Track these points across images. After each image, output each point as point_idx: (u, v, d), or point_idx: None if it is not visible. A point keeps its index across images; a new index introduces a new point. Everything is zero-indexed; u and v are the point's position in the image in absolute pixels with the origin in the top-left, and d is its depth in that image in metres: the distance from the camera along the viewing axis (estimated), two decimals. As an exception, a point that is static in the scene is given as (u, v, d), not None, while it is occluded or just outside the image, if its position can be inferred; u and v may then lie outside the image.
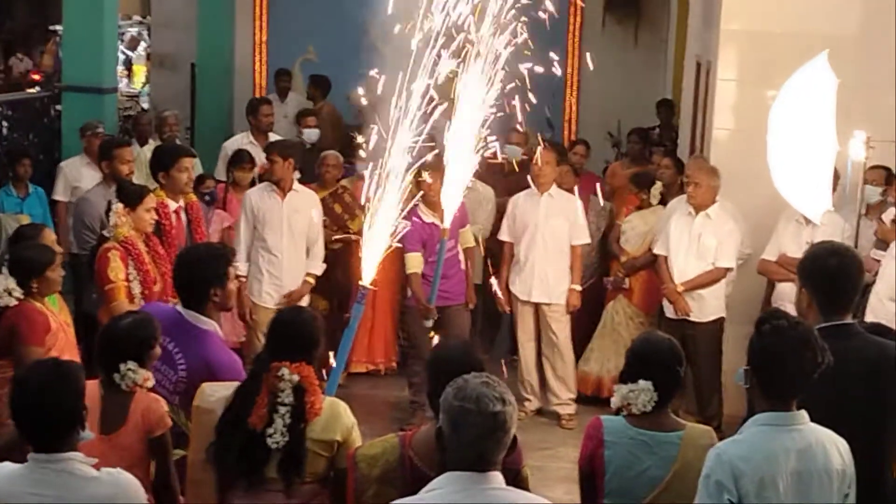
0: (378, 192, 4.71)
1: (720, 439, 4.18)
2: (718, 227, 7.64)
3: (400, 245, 5.35)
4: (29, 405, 3.50)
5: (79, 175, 8.83)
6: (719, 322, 7.75)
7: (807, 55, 6.74)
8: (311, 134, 10.33)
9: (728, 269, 7.68)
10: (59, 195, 8.98)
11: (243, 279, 7.59)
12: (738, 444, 3.61)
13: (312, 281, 7.95)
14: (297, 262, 7.82)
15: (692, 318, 7.68)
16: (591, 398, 8.30)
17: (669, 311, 7.79)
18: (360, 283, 4.76)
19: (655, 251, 7.99)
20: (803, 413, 3.55)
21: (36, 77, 13.83)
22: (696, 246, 7.66)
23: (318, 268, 7.97)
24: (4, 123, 9.82)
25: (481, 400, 3.13)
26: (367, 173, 4.78)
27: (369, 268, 4.71)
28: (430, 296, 7.38)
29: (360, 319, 7.85)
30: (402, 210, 4.84)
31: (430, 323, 7.69)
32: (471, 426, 3.13)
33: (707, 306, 7.71)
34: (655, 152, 9.90)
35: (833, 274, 4.16)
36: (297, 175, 8.07)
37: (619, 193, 9.36)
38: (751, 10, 8.10)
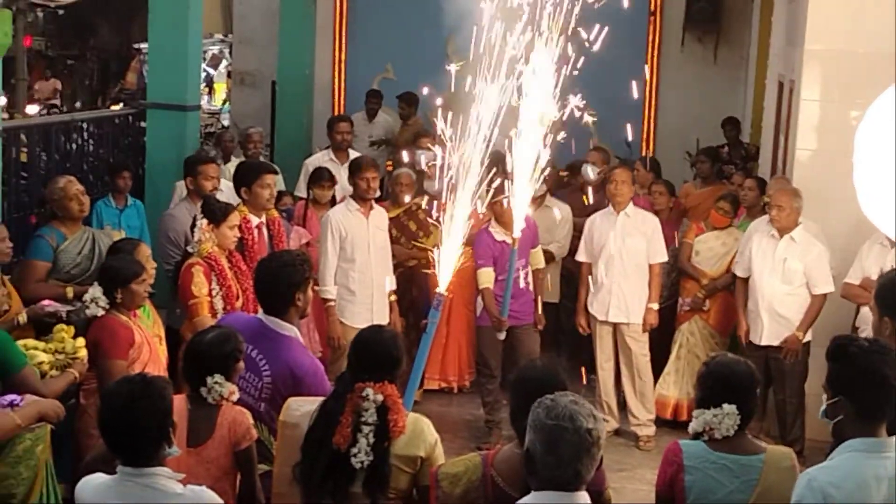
0: (454, 196, 4.72)
1: (802, 464, 4.15)
2: (805, 251, 7.54)
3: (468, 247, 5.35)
4: (116, 420, 3.54)
5: None
6: (805, 346, 7.63)
7: (893, 75, 6.65)
8: (431, 155, 10.11)
9: (827, 294, 7.54)
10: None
11: (332, 303, 7.62)
12: (830, 470, 3.56)
13: (395, 298, 7.98)
14: (383, 280, 7.81)
15: (777, 343, 7.59)
16: (670, 422, 8.22)
17: (762, 339, 7.64)
18: (437, 289, 4.76)
19: (736, 272, 7.91)
20: (893, 440, 3.50)
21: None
22: (781, 269, 7.56)
23: (394, 282, 7.98)
24: (90, 140, 10.02)
25: (575, 418, 3.14)
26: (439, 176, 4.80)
27: (445, 274, 4.70)
28: (503, 309, 7.38)
29: (434, 336, 7.88)
30: (478, 209, 4.84)
31: (502, 335, 7.70)
32: (566, 444, 3.13)
33: (793, 330, 7.58)
34: (727, 171, 9.81)
35: None
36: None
37: (692, 213, 9.28)
38: (835, 29, 8.00)
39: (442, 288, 4.73)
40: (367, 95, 12.74)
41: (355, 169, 7.89)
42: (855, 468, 3.53)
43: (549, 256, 8.66)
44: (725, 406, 4.02)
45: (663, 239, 8.22)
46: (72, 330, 5.44)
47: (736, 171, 9.81)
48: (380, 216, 7.91)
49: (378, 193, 8.13)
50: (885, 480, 3.50)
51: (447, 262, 4.70)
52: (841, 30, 7.98)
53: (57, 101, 20.26)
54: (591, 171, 9.29)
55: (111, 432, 3.57)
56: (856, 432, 3.59)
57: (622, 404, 8.31)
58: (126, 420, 3.52)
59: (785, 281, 7.58)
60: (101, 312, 5.43)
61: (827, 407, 3.66)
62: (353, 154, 9.54)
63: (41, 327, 5.77)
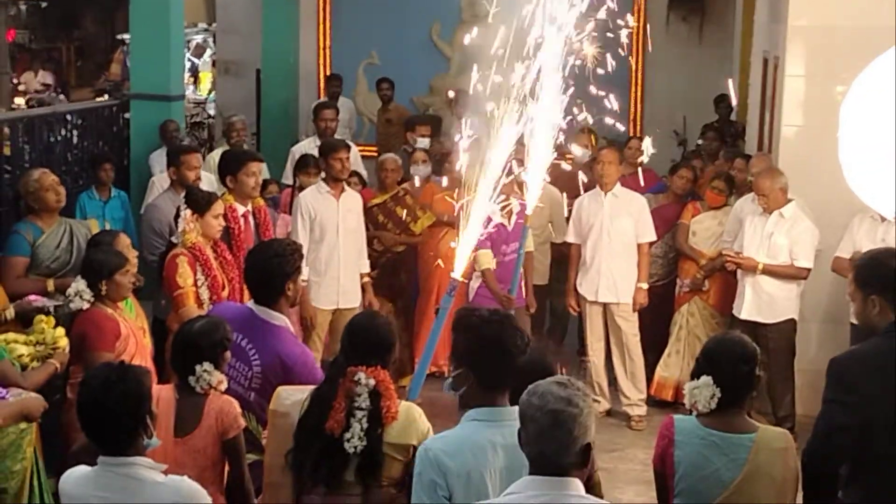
0: (475, 185, 4.68)
1: (795, 440, 4.14)
2: (792, 226, 7.55)
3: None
4: (91, 405, 3.53)
5: None
6: (791, 323, 7.65)
7: (877, 49, 6.60)
8: (423, 142, 10.00)
9: (808, 269, 7.57)
10: None
11: (304, 284, 7.60)
12: (446, 440, 3.66)
13: (369, 279, 7.97)
14: (353, 263, 7.83)
15: (763, 320, 7.60)
16: (672, 403, 8.20)
17: (742, 312, 7.70)
18: (451, 274, 4.72)
19: (726, 249, 7.90)
20: (515, 410, 3.37)
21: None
22: (767, 244, 7.58)
23: (367, 265, 7.99)
24: (75, 132, 9.97)
25: (544, 396, 3.11)
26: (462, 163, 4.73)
27: (462, 259, 4.66)
28: (512, 287, 7.37)
29: (423, 320, 7.84)
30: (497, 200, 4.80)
31: (511, 312, 7.66)
32: (531, 422, 3.12)
33: (778, 307, 7.62)
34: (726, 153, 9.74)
35: None
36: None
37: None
38: (818, 4, 7.99)
39: (457, 273, 4.69)
40: (327, 80, 12.81)
41: (328, 150, 7.88)
42: (470, 436, 3.61)
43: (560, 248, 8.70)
44: (703, 377, 4.02)
45: (651, 218, 8.21)
46: (52, 321, 5.42)
47: (726, 150, 9.77)
48: (352, 199, 7.88)
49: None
50: (501, 448, 3.56)
51: (464, 248, 4.68)
52: (824, 5, 7.97)
53: (45, 96, 20.17)
54: (579, 153, 9.27)
55: (87, 418, 3.55)
56: (478, 401, 3.67)
57: (614, 384, 8.31)
58: (101, 405, 3.50)
59: (770, 256, 7.59)
60: (86, 305, 5.41)
61: (452, 379, 3.75)
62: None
63: (28, 322, 5.74)
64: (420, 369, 4.67)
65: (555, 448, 3.09)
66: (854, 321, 7.08)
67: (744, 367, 4.05)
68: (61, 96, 19.03)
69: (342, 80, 12.84)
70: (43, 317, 5.46)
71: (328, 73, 13.76)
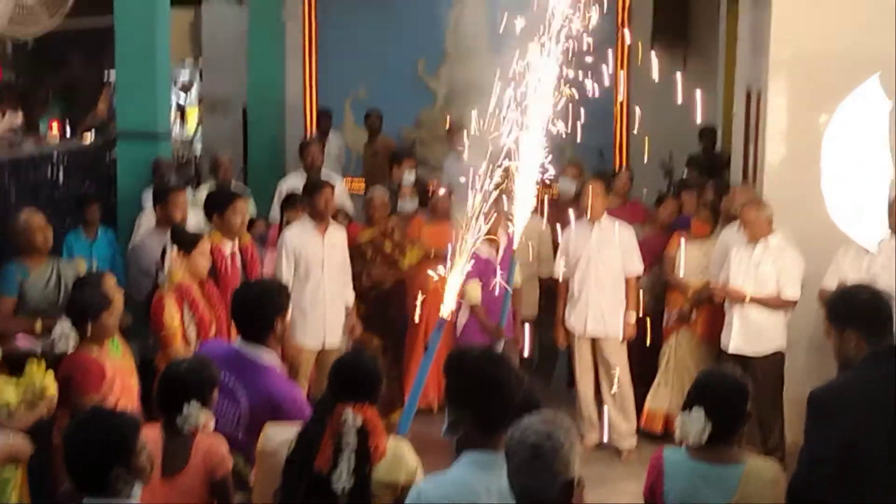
0: (469, 222, 4.71)
1: (785, 470, 4.15)
2: (779, 256, 7.57)
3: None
4: (76, 451, 3.52)
5: None
6: (779, 355, 7.66)
7: (858, 78, 6.69)
8: (410, 177, 9.94)
9: (795, 299, 7.58)
10: None
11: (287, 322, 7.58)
12: (440, 483, 3.58)
13: (353, 311, 7.97)
14: (339, 300, 7.82)
15: (752, 353, 7.60)
16: (662, 435, 8.16)
17: (729, 345, 7.69)
18: (441, 311, 4.73)
19: (713, 282, 7.91)
20: None
21: (54, 126, 13.99)
22: (754, 274, 7.59)
23: (352, 296, 7.98)
24: (60, 171, 9.96)
25: (526, 430, 3.12)
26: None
27: (451, 297, 4.66)
28: (501, 318, 7.36)
29: (412, 355, 7.79)
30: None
31: (500, 345, 7.70)
32: (514, 455, 3.13)
33: (766, 337, 7.62)
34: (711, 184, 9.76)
35: (872, 304, 4.18)
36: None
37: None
38: (800, 35, 8.03)
39: (445, 312, 4.70)
40: (318, 116, 12.92)
41: (312, 188, 7.89)
42: (464, 480, 3.53)
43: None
44: (694, 410, 4.02)
45: (639, 250, 8.23)
46: (43, 367, 5.38)
47: (705, 181, 9.80)
48: (337, 234, 7.89)
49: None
50: (495, 493, 3.45)
51: (452, 286, 4.69)
52: (806, 36, 8.01)
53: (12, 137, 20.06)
54: (570, 185, 9.31)
55: (73, 464, 3.53)
56: (476, 445, 3.58)
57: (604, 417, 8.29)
58: (81, 447, 3.49)
59: (757, 286, 7.60)
60: (71, 348, 5.39)
61: (448, 424, 3.67)
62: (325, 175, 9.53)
63: (15, 363, 5.71)
64: (409, 405, 4.66)
65: (536, 482, 3.10)
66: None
67: (737, 402, 4.06)
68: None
69: (332, 115, 12.95)
70: (35, 360, 5.43)
71: (315, 109, 13.80)
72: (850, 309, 4.18)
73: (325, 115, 12.92)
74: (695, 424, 4.01)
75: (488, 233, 7.40)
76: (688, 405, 4.09)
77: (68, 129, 13.00)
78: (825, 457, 3.99)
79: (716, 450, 4.02)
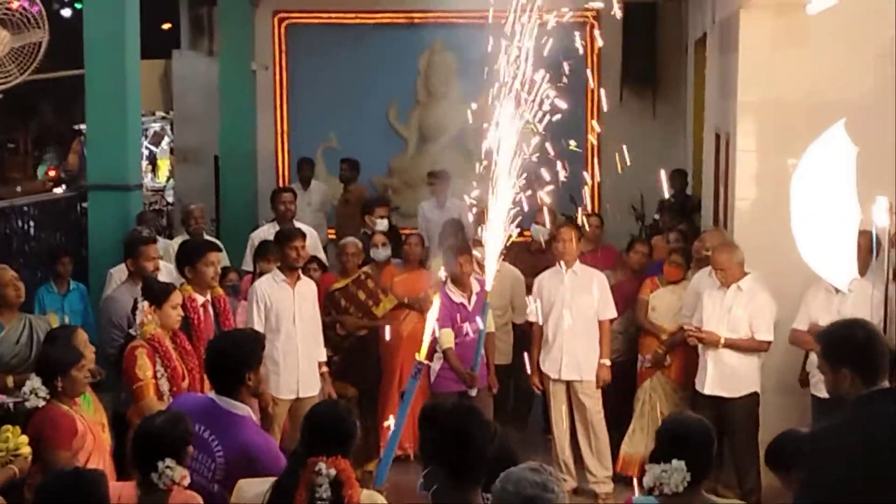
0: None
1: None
2: (751, 300, 7.61)
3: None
4: None
5: None
6: (754, 397, 7.67)
7: (825, 122, 6.74)
8: (382, 225, 9.92)
9: (769, 342, 7.61)
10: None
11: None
12: None
13: (327, 369, 7.92)
14: (312, 351, 7.78)
15: (727, 395, 7.62)
16: (639, 479, 8.14)
17: (705, 387, 7.70)
18: (416, 357, 4.72)
19: (687, 325, 7.92)
20: None
21: (51, 173, 14.01)
22: (727, 318, 7.63)
23: (324, 354, 7.94)
24: (32, 224, 9.93)
25: (520, 483, 3.12)
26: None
27: (427, 343, 4.67)
28: (474, 364, 7.35)
29: (388, 403, 7.76)
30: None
31: (474, 392, 7.68)
32: None
33: (740, 380, 7.64)
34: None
35: (868, 342, 4.13)
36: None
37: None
38: (766, 80, 8.11)
39: (422, 357, 4.70)
40: (298, 164, 12.88)
41: (283, 238, 7.89)
42: None
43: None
44: (674, 461, 4.02)
45: (611, 295, 8.25)
46: (18, 430, 5.33)
47: (677, 225, 9.84)
48: (307, 287, 7.86)
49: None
50: None
51: (428, 332, 4.68)
52: (772, 80, 8.09)
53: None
54: (539, 233, 9.33)
55: None
56: (450, 499, 3.56)
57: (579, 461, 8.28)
58: None
59: (730, 329, 7.63)
60: (41, 403, 5.33)
61: (423, 478, 3.65)
62: (298, 225, 9.50)
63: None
64: (386, 454, 4.65)
65: None
66: (815, 393, 7.12)
67: (710, 448, 4.11)
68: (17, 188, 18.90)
69: (314, 163, 12.97)
70: (9, 426, 5.37)
71: (287, 158, 13.82)
72: (847, 347, 4.17)
73: (306, 163, 12.87)
74: (675, 475, 4.01)
75: (459, 279, 7.50)
76: (662, 454, 4.08)
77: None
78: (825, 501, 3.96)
79: (687, 497, 4.02)
